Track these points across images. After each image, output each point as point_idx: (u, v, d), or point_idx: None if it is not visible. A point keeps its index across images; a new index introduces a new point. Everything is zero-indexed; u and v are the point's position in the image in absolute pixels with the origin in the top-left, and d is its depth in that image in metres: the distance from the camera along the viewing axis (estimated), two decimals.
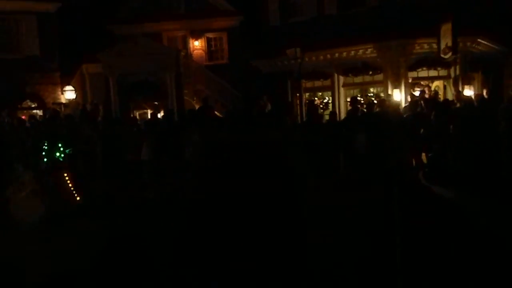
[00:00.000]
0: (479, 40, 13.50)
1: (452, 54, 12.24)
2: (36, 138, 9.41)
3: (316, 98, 15.85)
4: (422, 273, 3.83)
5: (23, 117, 14.40)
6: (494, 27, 13.54)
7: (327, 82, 15.34)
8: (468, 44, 13.36)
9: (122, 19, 19.12)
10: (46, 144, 8.36)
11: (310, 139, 8.06)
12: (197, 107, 14.75)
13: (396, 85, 13.72)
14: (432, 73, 14.03)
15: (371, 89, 15.01)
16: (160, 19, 19.01)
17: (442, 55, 12.58)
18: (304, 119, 11.68)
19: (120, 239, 1.31)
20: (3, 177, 7.79)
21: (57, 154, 8.17)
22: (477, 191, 6.36)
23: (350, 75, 14.78)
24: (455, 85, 13.39)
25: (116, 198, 9.74)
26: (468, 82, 13.50)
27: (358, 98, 13.26)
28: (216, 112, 12.46)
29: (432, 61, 13.49)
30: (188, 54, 19.01)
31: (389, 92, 13.68)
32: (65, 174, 8.13)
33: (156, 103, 16.51)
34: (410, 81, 14.00)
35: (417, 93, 13.02)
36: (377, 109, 10.63)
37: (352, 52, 14.42)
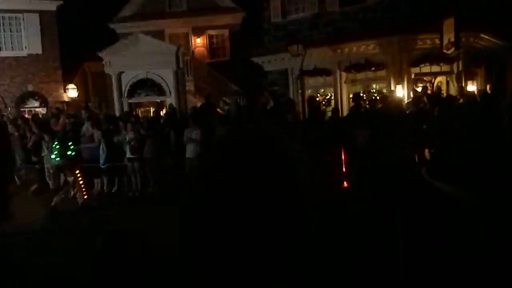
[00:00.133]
0: (481, 35, 13.44)
1: (455, 50, 12.19)
2: (46, 136, 9.47)
3: (318, 95, 15.82)
4: (424, 269, 3.82)
5: (26, 115, 14.46)
6: (497, 22, 13.46)
7: (330, 79, 15.30)
8: (471, 39, 13.30)
9: (124, 17, 19.13)
10: (57, 142, 8.43)
11: (312, 135, 8.04)
12: (199, 104, 14.74)
13: (399, 81, 13.68)
14: (435, 68, 13.97)
15: (374, 85, 14.96)
16: (162, 17, 19.01)
17: (444, 51, 12.53)
18: (306, 116, 11.65)
19: (119, 235, 1.31)
20: (7, 175, 7.81)
21: (69, 152, 8.25)
22: (480, 187, 6.35)
23: (352, 71, 14.74)
24: (458, 80, 13.33)
25: (120, 195, 9.78)
26: (471, 77, 13.44)
27: (361, 95, 13.23)
28: (218, 109, 12.45)
29: (434, 56, 13.43)
30: (190, 52, 19.01)
31: (392, 88, 13.64)
32: (78, 171, 8.21)
33: (158, 100, 16.54)
34: (412, 77, 13.95)
35: (419, 89, 12.98)
36: (380, 106, 10.60)
37: (354, 49, 14.37)
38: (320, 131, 8.53)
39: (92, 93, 18.08)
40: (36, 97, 17.44)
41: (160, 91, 16.57)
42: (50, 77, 17.42)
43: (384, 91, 14.02)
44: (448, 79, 14.24)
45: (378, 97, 12.90)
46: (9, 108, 15.94)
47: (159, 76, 16.65)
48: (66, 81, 17.59)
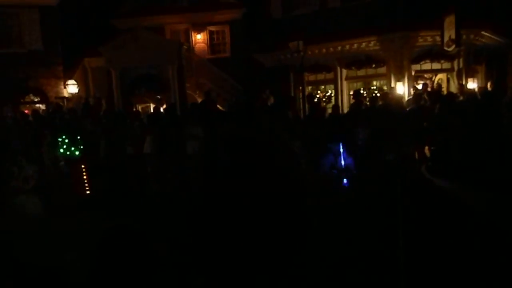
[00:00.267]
0: (482, 32, 13.42)
1: (456, 47, 12.18)
2: (53, 131, 9.49)
3: (319, 91, 15.82)
4: (425, 267, 3.83)
5: (26, 111, 14.45)
6: (497, 20, 13.44)
7: (330, 75, 15.30)
8: (472, 36, 13.28)
9: (124, 13, 19.08)
10: (64, 137, 8.43)
11: (313, 133, 8.04)
12: (199, 100, 14.74)
13: (399, 78, 13.67)
14: (436, 65, 13.97)
15: (374, 82, 14.96)
16: (162, 12, 18.97)
17: (445, 48, 12.52)
18: (307, 113, 11.65)
19: (119, 231, 1.32)
20: (7, 171, 7.82)
21: (75, 147, 8.26)
22: (481, 184, 6.35)
23: (353, 68, 14.74)
24: (459, 78, 13.33)
25: (119, 192, 9.78)
26: (471, 74, 13.44)
27: (361, 92, 13.22)
28: (218, 106, 12.45)
29: (435, 53, 13.42)
30: (191, 47, 18.98)
31: (392, 85, 13.63)
32: (82, 166, 8.23)
33: (158, 96, 16.52)
34: (413, 74, 13.94)
35: (420, 86, 12.98)
36: (380, 103, 10.60)
37: (355, 45, 14.36)
38: (320, 128, 8.53)
39: (93, 88, 18.06)
40: (36, 93, 17.42)
41: (160, 87, 16.55)
42: (50, 72, 17.39)
43: (385, 88, 14.02)
44: (449, 76, 14.24)
45: (378, 94, 12.90)
46: (8, 104, 15.92)
47: (160, 72, 16.63)
48: (67, 76, 17.55)
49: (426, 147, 9.47)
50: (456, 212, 5.19)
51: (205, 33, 19.78)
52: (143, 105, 17.40)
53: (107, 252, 1.44)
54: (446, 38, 12.39)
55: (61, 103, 15.29)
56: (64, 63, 17.61)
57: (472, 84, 12.94)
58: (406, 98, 12.06)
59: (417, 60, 13.75)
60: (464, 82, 12.87)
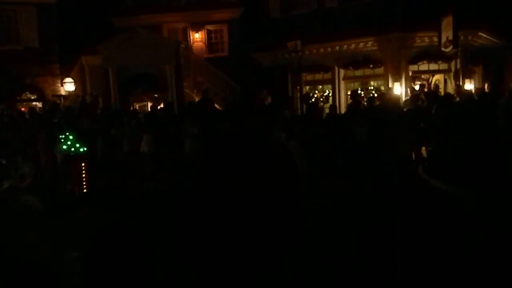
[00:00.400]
0: (480, 33, 13.45)
1: (453, 48, 12.20)
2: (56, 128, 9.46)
3: (316, 91, 15.82)
4: (422, 266, 3.84)
5: (23, 109, 14.40)
6: (495, 21, 13.48)
7: (328, 75, 15.30)
8: (469, 37, 13.31)
9: (122, 11, 19.03)
10: (68, 134, 8.39)
11: (309, 132, 8.05)
12: (197, 99, 14.71)
13: (397, 79, 13.69)
14: (433, 66, 14.00)
15: (372, 83, 14.98)
16: (160, 11, 18.92)
17: (443, 49, 12.54)
18: (304, 113, 11.65)
19: (113, 230, 1.31)
20: (2, 169, 7.78)
21: (80, 144, 8.23)
22: (477, 185, 6.37)
23: (350, 68, 14.75)
24: (456, 78, 13.36)
25: (116, 190, 9.76)
26: (468, 76, 13.47)
27: (359, 92, 13.24)
28: (216, 105, 12.44)
29: (433, 54, 13.45)
30: (188, 46, 18.94)
31: (390, 85, 13.65)
32: (83, 164, 8.20)
33: (156, 95, 16.49)
34: (410, 74, 13.97)
35: (417, 87, 13.01)
36: (378, 103, 10.62)
37: (353, 45, 14.37)
38: (318, 128, 8.53)
39: (90, 87, 18.00)
40: (33, 91, 17.35)
41: (158, 85, 16.51)
42: (47, 70, 17.32)
43: (382, 88, 14.04)
44: (446, 77, 14.27)
45: (376, 95, 12.93)
46: (5, 102, 15.85)
47: (158, 70, 16.60)
48: (64, 74, 17.49)
49: (423, 148, 9.50)
50: (452, 212, 5.20)
51: (203, 32, 19.75)
52: (140, 104, 17.36)
53: (100, 251, 1.43)
54: (443, 39, 12.42)
55: (58, 101, 15.24)
56: (61, 61, 17.54)
57: (469, 85, 12.97)
58: (404, 99, 12.08)
59: (414, 61, 13.78)
60: (461, 83, 12.90)
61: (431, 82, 14.55)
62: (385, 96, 10.98)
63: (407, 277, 3.49)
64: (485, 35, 13.67)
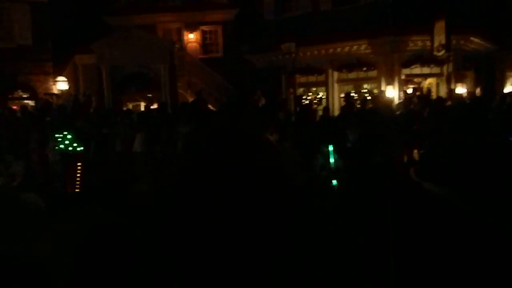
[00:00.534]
0: (472, 38, 13.59)
1: (446, 52, 12.31)
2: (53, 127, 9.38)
3: (310, 93, 15.87)
4: (415, 269, 3.87)
5: (14, 107, 14.28)
6: (486, 26, 13.62)
7: (321, 78, 15.36)
8: (461, 42, 13.44)
9: (117, 10, 18.96)
10: (66, 133, 8.32)
11: (302, 134, 8.07)
12: (190, 100, 14.69)
13: (390, 82, 13.78)
14: (425, 70, 14.11)
15: (365, 85, 15.06)
16: (155, 10, 18.89)
17: (435, 53, 12.65)
18: (297, 116, 11.67)
19: (103, 231, 1.30)
20: None
21: (76, 144, 8.16)
22: (468, 188, 6.42)
23: (344, 71, 14.82)
24: (448, 82, 13.47)
25: (109, 190, 9.71)
26: (460, 80, 13.59)
27: (352, 94, 13.30)
28: (209, 106, 12.43)
29: (425, 58, 13.57)
30: (183, 47, 18.92)
31: (383, 88, 13.74)
32: (79, 164, 8.13)
33: (149, 95, 16.44)
34: (403, 77, 14.06)
35: (410, 91, 13.10)
36: (371, 106, 10.68)
37: (347, 48, 14.44)
38: (311, 130, 8.56)
39: (83, 86, 17.90)
40: (25, 89, 17.22)
41: (151, 85, 16.47)
42: (40, 68, 17.21)
43: (375, 91, 14.12)
44: (438, 81, 14.39)
45: (369, 97, 12.99)
46: None
47: (151, 70, 16.55)
48: (56, 73, 17.37)
49: (415, 151, 9.56)
50: (444, 214, 5.25)
51: (197, 32, 19.74)
52: (134, 104, 17.30)
53: (90, 252, 1.43)
54: (436, 43, 12.53)
55: (51, 100, 15.14)
56: (54, 59, 17.43)
57: (461, 89, 13.08)
58: (396, 102, 12.16)
59: (407, 64, 13.88)
60: (453, 87, 13.01)
61: (423, 86, 14.66)
62: (378, 99, 11.04)
63: (400, 279, 3.51)
64: (477, 40, 13.81)
